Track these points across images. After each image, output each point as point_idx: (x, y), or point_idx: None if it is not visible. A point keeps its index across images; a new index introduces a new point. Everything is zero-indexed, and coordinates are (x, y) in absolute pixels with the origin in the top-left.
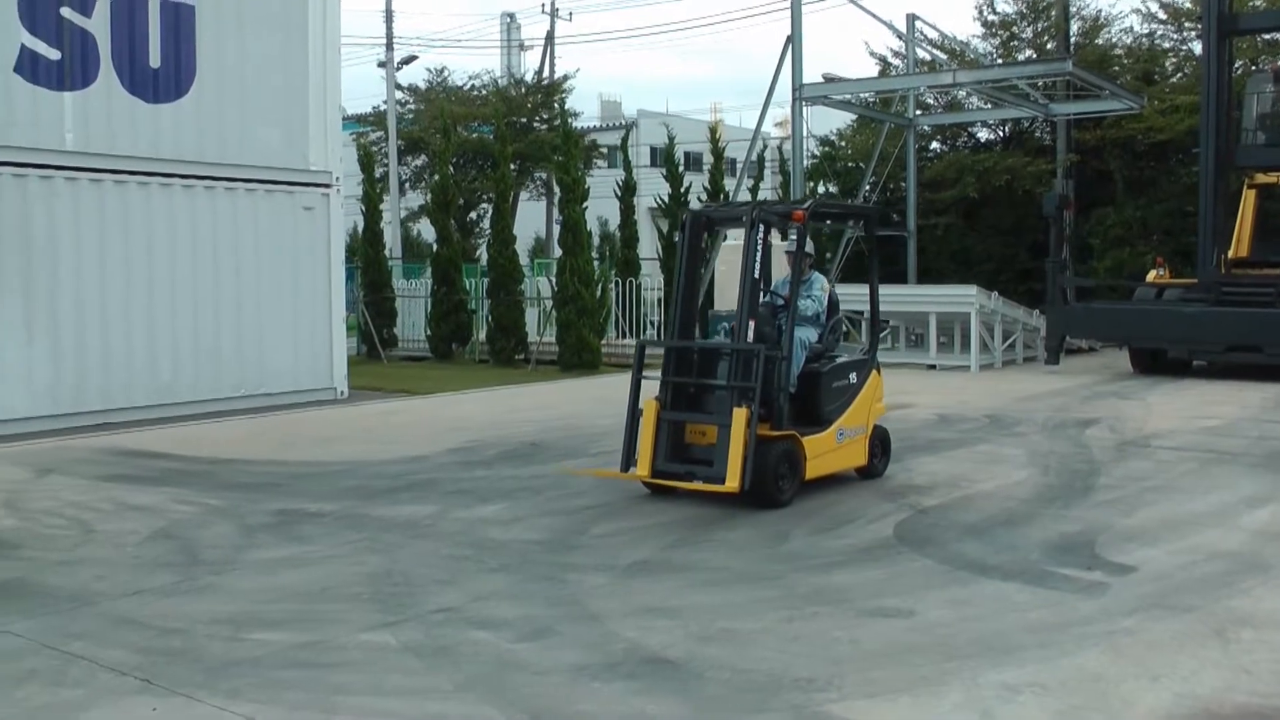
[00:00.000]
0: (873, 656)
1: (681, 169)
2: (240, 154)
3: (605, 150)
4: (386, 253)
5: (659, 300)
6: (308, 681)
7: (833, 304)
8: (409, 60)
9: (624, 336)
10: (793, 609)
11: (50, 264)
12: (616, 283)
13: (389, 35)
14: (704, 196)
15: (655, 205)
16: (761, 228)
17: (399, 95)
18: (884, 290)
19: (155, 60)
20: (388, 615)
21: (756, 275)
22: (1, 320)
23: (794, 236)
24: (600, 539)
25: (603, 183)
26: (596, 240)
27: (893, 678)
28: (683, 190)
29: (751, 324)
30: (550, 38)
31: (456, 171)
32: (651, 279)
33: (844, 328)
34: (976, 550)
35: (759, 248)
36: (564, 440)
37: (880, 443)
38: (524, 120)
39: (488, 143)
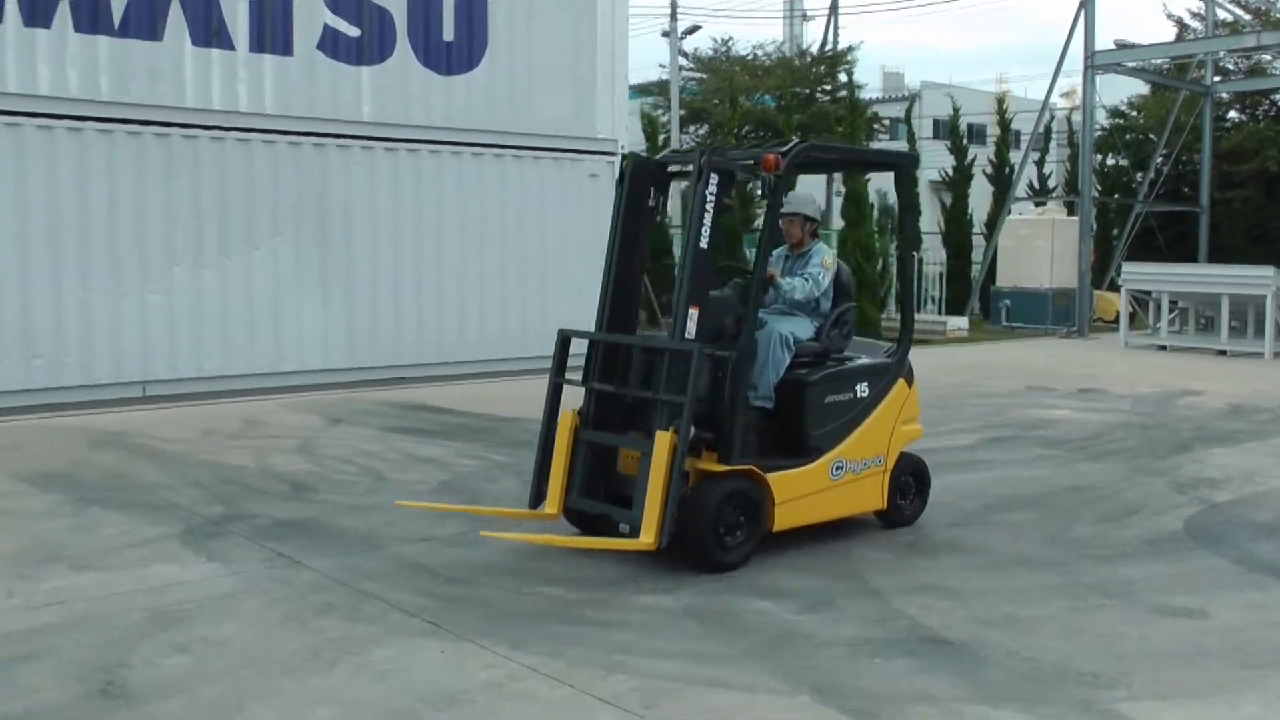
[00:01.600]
0: (1162, 656)
1: (965, 141)
2: (529, 123)
3: (887, 123)
4: (668, 221)
5: (940, 275)
6: (588, 638)
7: (842, 288)
8: (693, 30)
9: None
10: (1077, 599)
11: (346, 229)
12: (896, 257)
13: (673, 5)
14: (989, 170)
15: (938, 179)
16: (714, 180)
17: (682, 64)
18: (1172, 270)
19: (448, 34)
20: (669, 579)
21: (704, 243)
22: (301, 281)
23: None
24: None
25: None
26: (875, 214)
27: (1184, 681)
28: (967, 162)
29: (694, 312)
30: (834, 7)
31: (738, 142)
32: (933, 253)
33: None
34: (1273, 551)
35: (709, 208)
36: None
37: (912, 479)
38: (807, 91)
39: (770, 113)
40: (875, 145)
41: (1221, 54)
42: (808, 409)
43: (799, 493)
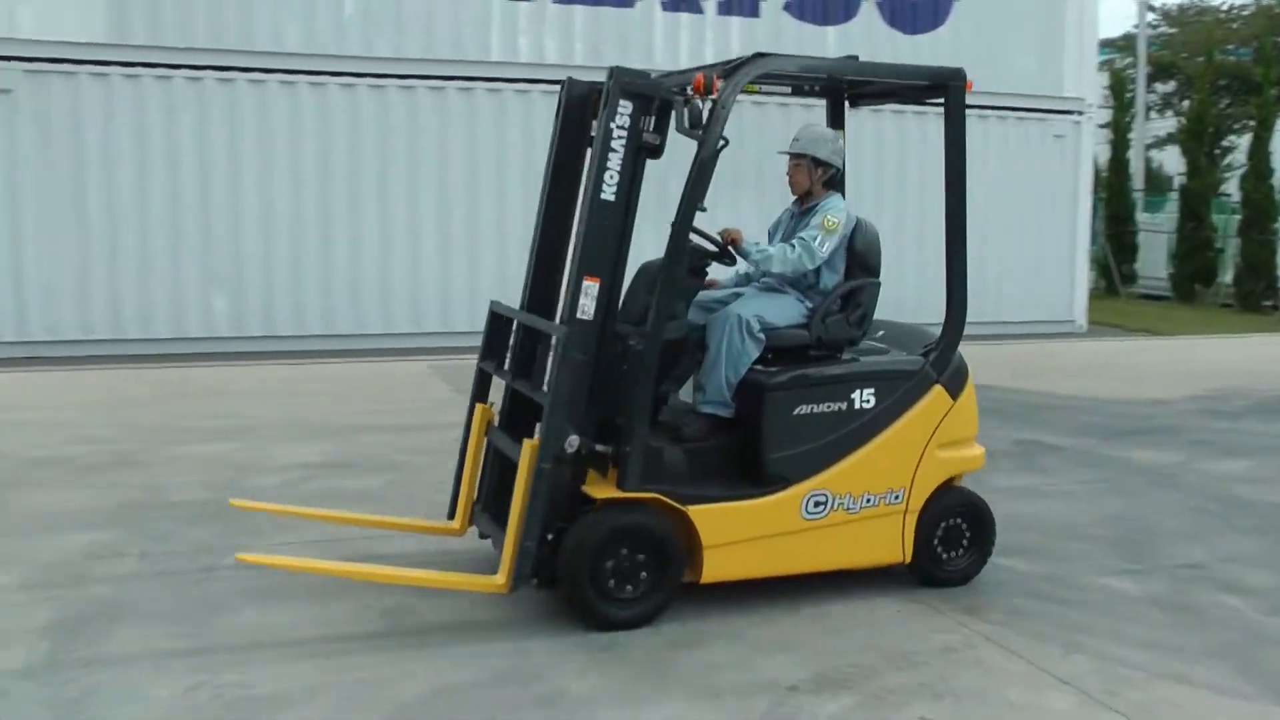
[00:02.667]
0: None
1: None
2: (994, 82)
3: None
4: (1131, 184)
5: None
6: (1045, 613)
7: (859, 257)
8: None
9: None
10: None
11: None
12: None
13: None
14: None
15: None
16: (626, 108)
17: (1150, 19)
18: None
19: None
20: (1129, 562)
21: (609, 194)
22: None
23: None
24: None
25: None
26: None
27: None
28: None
29: (590, 285)
30: None
31: (1210, 98)
32: None
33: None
34: None
35: (614, 145)
36: None
37: (964, 524)
38: None
39: (1246, 67)
40: None
41: None
42: (766, 423)
43: (745, 534)
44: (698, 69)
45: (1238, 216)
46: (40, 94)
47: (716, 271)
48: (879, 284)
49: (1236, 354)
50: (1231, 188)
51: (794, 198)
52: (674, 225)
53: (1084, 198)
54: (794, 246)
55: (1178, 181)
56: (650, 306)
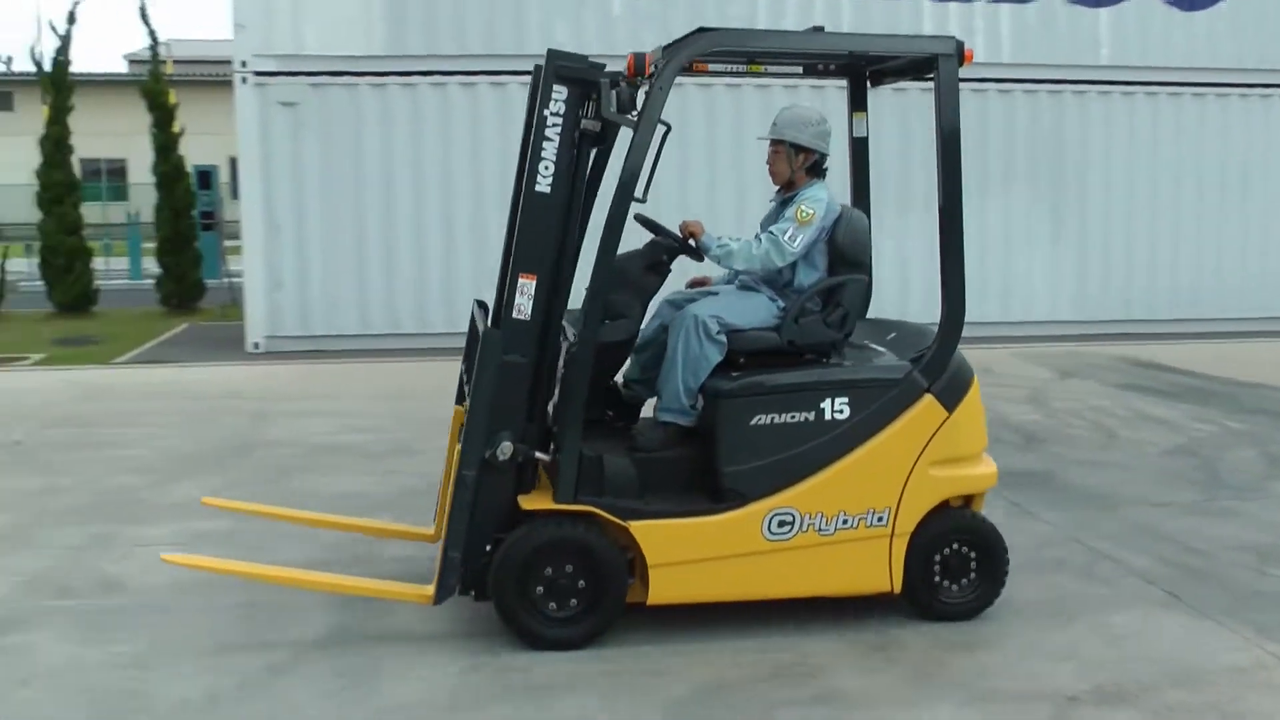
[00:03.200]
0: None
1: None
2: (1278, 59)
3: None
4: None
5: None
6: None
7: (840, 250)
8: None
9: None
10: None
11: (1079, 177)
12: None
13: None
14: None
15: None
16: (561, 94)
17: None
18: None
19: None
20: None
21: (544, 186)
22: (1031, 230)
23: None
24: None
25: None
26: None
27: None
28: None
29: (526, 283)
30: None
31: None
32: None
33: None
34: None
35: (550, 134)
36: None
37: (971, 551)
38: None
39: None
40: None
41: None
42: (720, 433)
43: (697, 554)
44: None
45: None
46: (323, 106)
47: (710, 270)
48: (866, 280)
49: None
50: None
51: (776, 187)
52: (607, 217)
53: None
54: (760, 240)
55: None
56: (615, 304)
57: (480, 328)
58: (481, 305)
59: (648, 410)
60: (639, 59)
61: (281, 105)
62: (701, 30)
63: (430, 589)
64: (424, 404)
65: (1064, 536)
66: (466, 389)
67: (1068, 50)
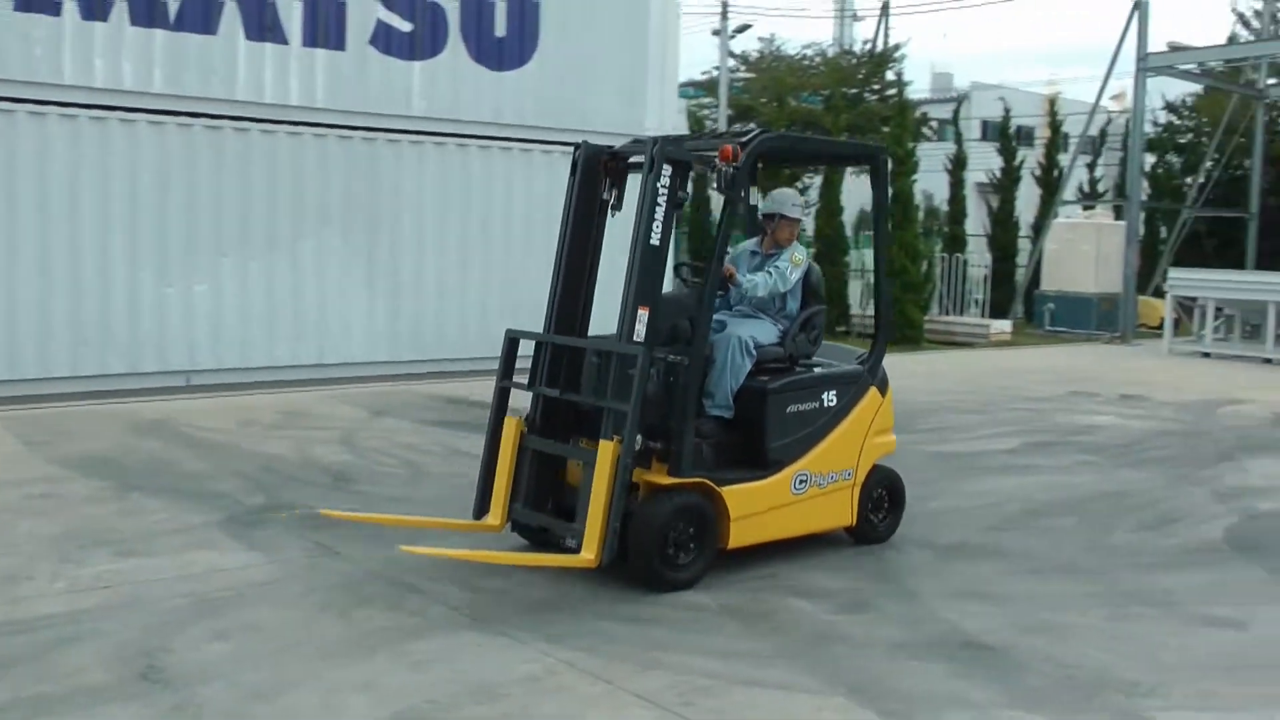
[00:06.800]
0: (1203, 667)
1: (1014, 143)
2: (578, 119)
3: (935, 124)
4: (714, 220)
5: (985, 278)
6: (626, 634)
7: (812, 289)
8: (743, 29)
9: (948, 313)
10: (1116, 607)
11: (393, 223)
12: (942, 258)
13: (724, 3)
14: (1037, 173)
15: (985, 180)
16: (668, 171)
17: (731, 64)
18: (1219, 276)
19: (500, 30)
20: (707, 577)
21: (655, 240)
22: (347, 273)
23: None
24: (925, 517)
25: (930, 156)
26: (921, 214)
27: (1223, 691)
28: (1016, 164)
29: (643, 313)
30: (885, 8)
31: None
32: (979, 255)
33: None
34: None
35: (660, 201)
36: None
37: (886, 494)
38: (854, 91)
39: (818, 113)
40: (922, 146)
41: (1278, 56)
42: (768, 419)
43: (758, 508)
44: (714, 137)
45: (813, 250)
46: None
47: None
48: (824, 310)
49: None
50: (810, 224)
51: (753, 240)
52: (712, 269)
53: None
54: (770, 275)
55: None
56: (680, 329)
57: (555, 350)
58: (514, 332)
59: None
60: (735, 149)
61: None
62: (766, 131)
63: (590, 555)
64: None
65: (373, 573)
66: (562, 394)
67: (381, 99)
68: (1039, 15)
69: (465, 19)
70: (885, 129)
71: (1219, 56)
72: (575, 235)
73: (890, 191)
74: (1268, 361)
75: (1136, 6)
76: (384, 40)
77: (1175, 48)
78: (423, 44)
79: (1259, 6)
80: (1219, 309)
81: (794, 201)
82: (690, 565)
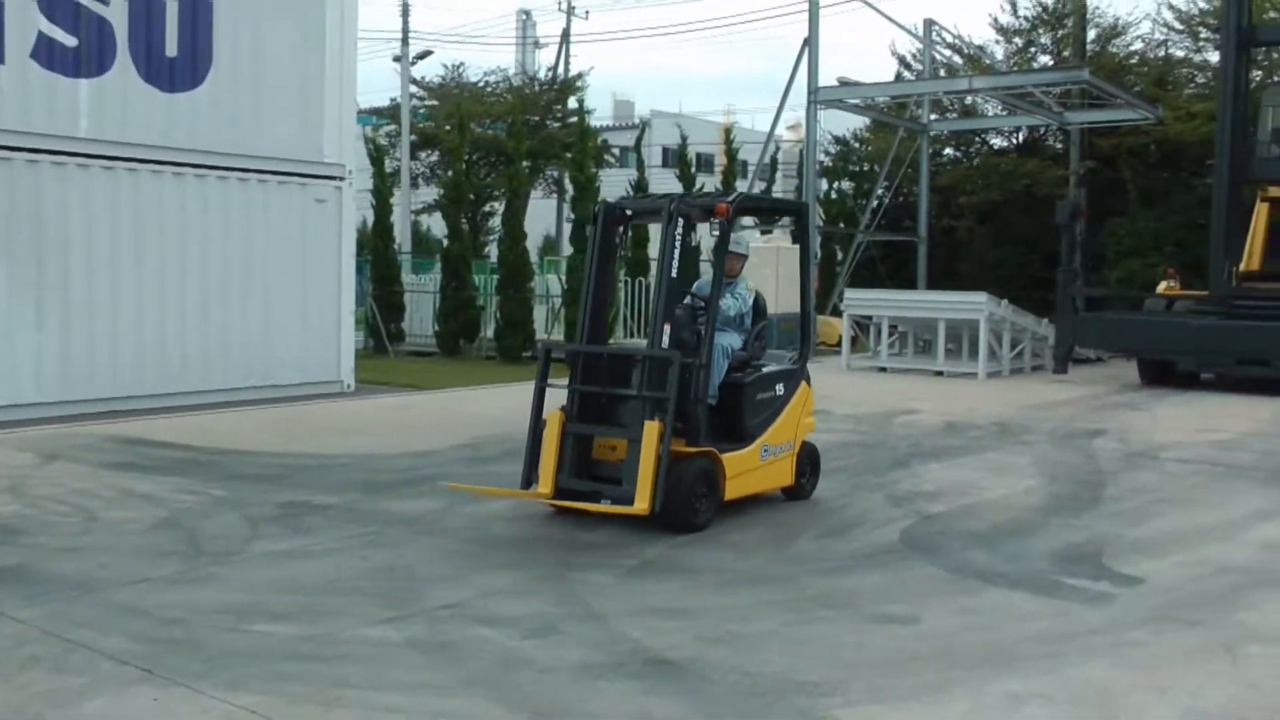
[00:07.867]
0: (879, 663)
1: (694, 170)
2: (254, 144)
3: (617, 151)
4: (396, 247)
5: None
6: (309, 674)
7: (759, 309)
8: (424, 55)
9: (632, 336)
10: (799, 612)
11: (62, 252)
12: (625, 282)
13: (405, 29)
14: None
15: None
16: (681, 222)
17: (413, 90)
18: (892, 296)
19: (171, 49)
20: (391, 610)
21: (674, 274)
22: (13, 307)
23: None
24: (608, 537)
25: (614, 182)
26: None
27: (899, 685)
28: (696, 189)
29: (667, 328)
30: (566, 35)
31: (469, 168)
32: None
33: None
34: (983, 559)
35: (677, 244)
36: None
37: (809, 461)
38: (537, 118)
39: (501, 140)
40: (606, 173)
41: (939, 94)
42: (745, 403)
43: (742, 469)
44: (715, 198)
45: (497, 276)
46: None
47: None
48: (770, 323)
49: (500, 403)
50: (495, 250)
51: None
52: (712, 294)
53: (347, 260)
54: (737, 299)
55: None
56: (684, 339)
57: (595, 358)
58: (549, 344)
59: None
60: (728, 206)
61: None
62: (742, 194)
63: (644, 505)
64: None
65: (38, 633)
66: (605, 389)
67: (44, 119)
68: (718, 47)
69: (134, 37)
70: (568, 155)
71: (883, 93)
72: (599, 270)
73: (816, 237)
74: (939, 374)
75: (806, 43)
76: (47, 55)
77: (845, 83)
78: (89, 61)
79: (916, 51)
80: (893, 326)
81: (744, 243)
82: (706, 511)
